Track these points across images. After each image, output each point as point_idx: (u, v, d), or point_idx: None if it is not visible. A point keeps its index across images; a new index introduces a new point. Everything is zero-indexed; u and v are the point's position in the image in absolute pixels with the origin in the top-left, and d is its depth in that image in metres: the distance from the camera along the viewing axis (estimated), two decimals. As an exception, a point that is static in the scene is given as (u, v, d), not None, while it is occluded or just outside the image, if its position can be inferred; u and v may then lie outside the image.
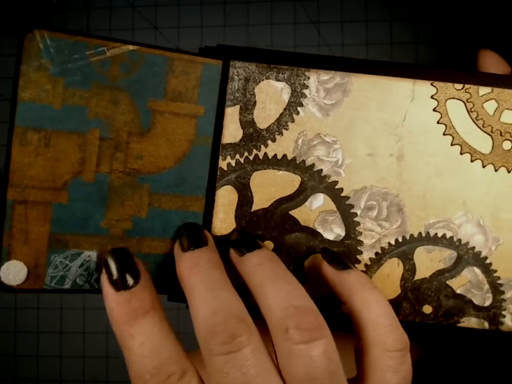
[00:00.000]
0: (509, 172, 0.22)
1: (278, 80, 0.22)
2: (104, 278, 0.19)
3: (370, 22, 0.84)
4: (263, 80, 0.22)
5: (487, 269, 0.22)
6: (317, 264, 0.22)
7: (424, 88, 0.22)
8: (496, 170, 0.22)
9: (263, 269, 0.19)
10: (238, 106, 0.22)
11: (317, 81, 0.22)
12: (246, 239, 0.21)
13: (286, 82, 0.22)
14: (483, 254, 0.22)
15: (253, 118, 0.22)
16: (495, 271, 0.22)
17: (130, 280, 0.19)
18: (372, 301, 0.19)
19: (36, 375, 0.89)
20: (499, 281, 0.22)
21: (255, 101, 0.22)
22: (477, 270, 0.22)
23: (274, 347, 0.18)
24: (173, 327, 0.19)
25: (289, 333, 0.17)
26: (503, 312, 0.22)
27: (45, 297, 0.87)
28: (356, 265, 0.22)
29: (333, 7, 0.84)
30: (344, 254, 0.22)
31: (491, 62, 0.25)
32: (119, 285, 0.19)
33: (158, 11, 0.91)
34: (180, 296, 0.22)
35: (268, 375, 0.17)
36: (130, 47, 0.21)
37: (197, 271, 0.19)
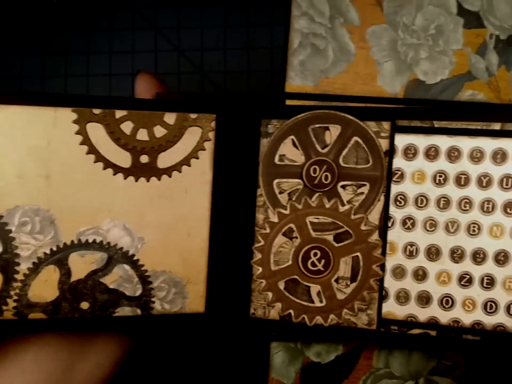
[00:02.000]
0: (148, 181, 0.27)
1: None
2: None
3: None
4: None
5: (135, 265, 0.27)
6: None
7: (65, 114, 0.25)
8: (136, 181, 0.26)
9: None
10: None
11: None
12: None
13: None
14: (131, 252, 0.26)
15: None
16: (143, 265, 0.27)
17: None
18: None
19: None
20: (147, 274, 0.27)
21: None
22: (127, 267, 0.27)
23: None
24: None
25: None
26: (153, 299, 0.27)
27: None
28: (15, 275, 0.25)
29: None
30: (2, 267, 0.25)
31: (143, 85, 0.28)
32: None
33: (158, 11, 0.86)
34: None
35: None
36: None
37: None
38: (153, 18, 0.87)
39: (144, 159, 0.27)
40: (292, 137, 0.27)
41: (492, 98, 0.28)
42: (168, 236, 0.27)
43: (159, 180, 0.27)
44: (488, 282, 0.25)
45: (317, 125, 0.26)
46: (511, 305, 0.25)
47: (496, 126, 0.25)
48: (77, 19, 0.88)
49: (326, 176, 0.26)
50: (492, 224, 0.25)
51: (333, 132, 0.26)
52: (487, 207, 0.25)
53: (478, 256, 0.25)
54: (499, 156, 0.25)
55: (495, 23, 0.28)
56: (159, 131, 0.26)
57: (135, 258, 0.27)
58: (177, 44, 0.88)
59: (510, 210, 0.25)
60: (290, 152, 0.27)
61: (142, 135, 0.26)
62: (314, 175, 0.26)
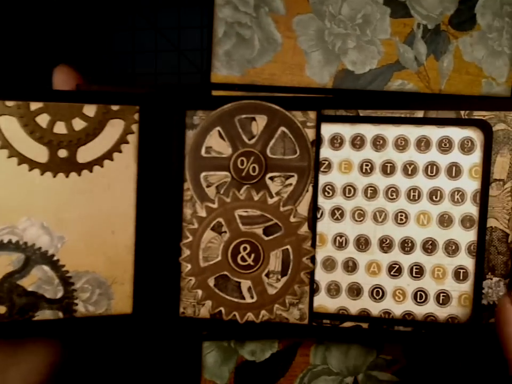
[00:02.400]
0: (67, 176, 0.25)
1: None
2: None
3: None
4: None
5: (55, 265, 0.25)
6: None
7: (-25, 106, 0.24)
8: (54, 177, 0.25)
9: None
10: None
11: None
12: None
13: None
14: (50, 253, 0.25)
15: None
16: (64, 266, 0.25)
17: None
18: None
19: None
20: (68, 274, 0.25)
21: None
22: (46, 268, 0.25)
23: None
24: None
25: None
26: (75, 301, 0.26)
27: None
28: None
29: None
30: None
31: (61, 78, 0.27)
32: None
33: (158, 11, 0.85)
34: None
35: None
36: None
37: None
38: (153, 18, 0.85)
39: (62, 153, 0.25)
40: (218, 128, 0.26)
41: (422, 87, 0.28)
42: (91, 234, 0.26)
43: (79, 175, 0.25)
44: (417, 271, 0.25)
45: (243, 116, 0.26)
46: (441, 294, 0.25)
47: (419, 114, 0.24)
48: (76, 19, 0.86)
49: (254, 167, 0.26)
50: (418, 213, 0.25)
51: (260, 123, 0.26)
52: (413, 195, 0.25)
53: (407, 245, 0.25)
54: (423, 144, 0.25)
55: (422, 12, 0.28)
56: (78, 124, 0.25)
57: (55, 258, 0.25)
58: (177, 44, 0.86)
59: (436, 198, 0.25)
60: (217, 144, 0.26)
61: (60, 128, 0.25)
62: (242, 167, 0.26)
